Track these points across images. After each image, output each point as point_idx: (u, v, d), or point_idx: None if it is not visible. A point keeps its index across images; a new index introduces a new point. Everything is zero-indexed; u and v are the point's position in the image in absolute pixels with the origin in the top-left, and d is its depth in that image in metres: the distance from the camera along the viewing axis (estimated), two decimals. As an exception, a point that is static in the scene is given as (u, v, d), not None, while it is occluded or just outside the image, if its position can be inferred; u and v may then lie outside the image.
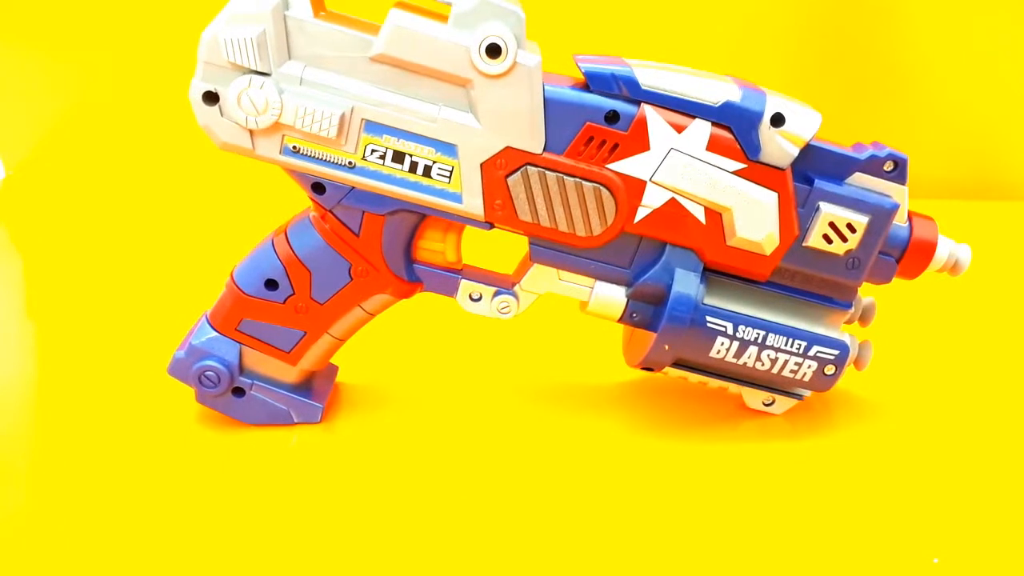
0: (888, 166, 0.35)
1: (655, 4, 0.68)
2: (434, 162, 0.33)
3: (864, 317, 0.40)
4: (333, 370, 0.41)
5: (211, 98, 0.32)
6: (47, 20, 0.68)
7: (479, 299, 0.37)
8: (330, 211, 0.34)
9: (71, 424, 0.38)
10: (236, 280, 0.36)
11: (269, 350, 0.36)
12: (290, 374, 0.37)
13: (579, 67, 0.33)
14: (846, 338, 0.37)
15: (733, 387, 0.39)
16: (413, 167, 0.33)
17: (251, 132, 0.32)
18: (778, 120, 0.33)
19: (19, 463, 0.36)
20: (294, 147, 0.33)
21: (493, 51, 0.31)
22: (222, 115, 0.32)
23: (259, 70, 0.31)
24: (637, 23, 0.67)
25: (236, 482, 0.35)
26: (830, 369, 0.37)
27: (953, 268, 0.37)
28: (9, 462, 0.36)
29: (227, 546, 0.31)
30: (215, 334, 0.36)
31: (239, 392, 0.37)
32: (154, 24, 0.67)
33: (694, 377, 0.39)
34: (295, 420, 0.38)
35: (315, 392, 0.39)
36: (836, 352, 0.37)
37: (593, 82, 0.33)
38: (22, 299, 0.53)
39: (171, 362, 0.36)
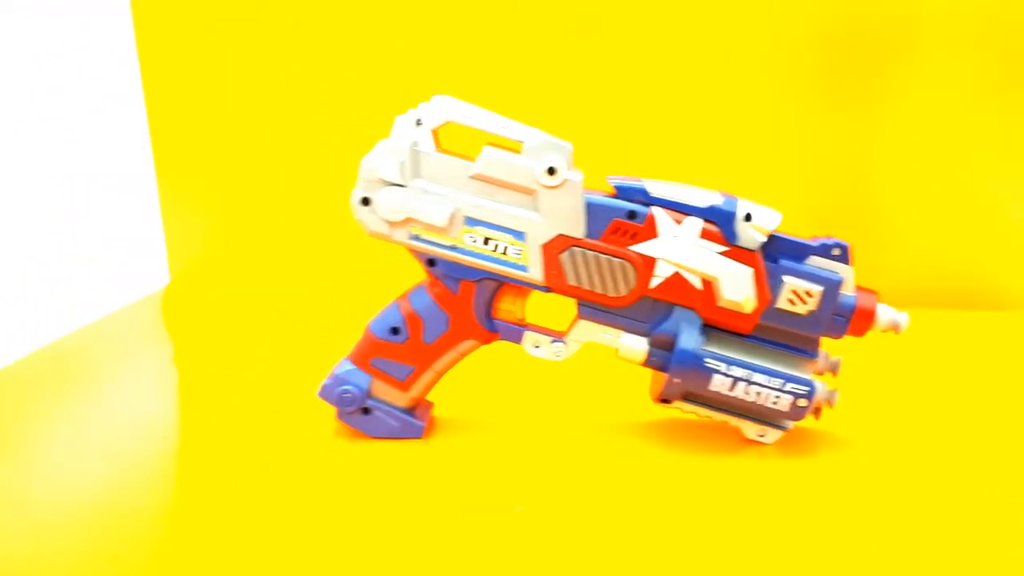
0: (836, 251, 0.49)
1: (664, 147, 0.85)
2: (510, 244, 0.48)
3: (834, 370, 0.52)
4: (430, 404, 0.55)
5: (366, 202, 0.48)
6: (208, 144, 0.89)
7: (539, 346, 0.51)
8: (438, 279, 0.50)
9: (252, 432, 0.53)
10: (371, 328, 0.51)
11: (390, 380, 0.51)
12: (402, 399, 0.51)
13: (609, 183, 0.49)
14: (815, 380, 0.50)
15: (733, 420, 0.52)
16: (496, 248, 0.48)
17: (390, 224, 0.48)
18: (748, 217, 0.47)
19: (208, 464, 0.51)
20: (417, 234, 0.49)
21: (551, 171, 0.47)
22: (372, 213, 0.48)
23: (399, 183, 0.48)
24: (651, 160, 0.84)
25: (359, 478, 0.48)
26: (802, 402, 0.49)
27: (894, 328, 0.50)
28: (199, 463, 0.50)
29: (350, 527, 0.44)
30: (353, 368, 0.51)
31: (367, 411, 0.51)
32: (303, 141, 0.87)
33: (702, 411, 0.51)
34: (403, 435, 0.51)
35: (418, 416, 0.52)
36: (806, 388, 0.49)
37: (620, 192, 0.48)
38: (204, 368, 0.69)
39: (321, 387, 0.51)
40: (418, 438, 0.52)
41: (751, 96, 0.84)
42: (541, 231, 0.48)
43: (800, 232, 0.49)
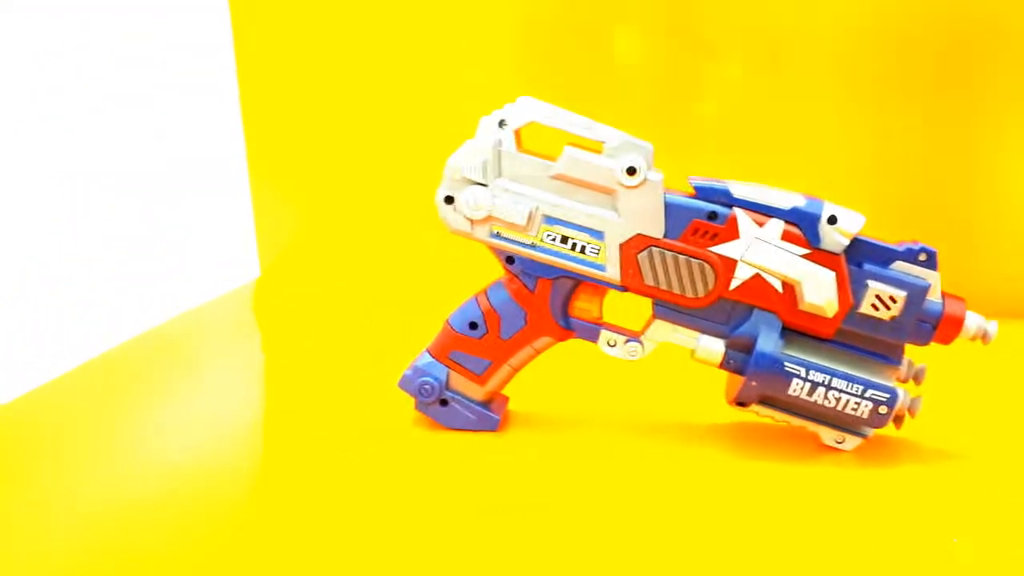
0: (922, 256, 0.48)
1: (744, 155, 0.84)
2: (588, 243, 0.49)
3: (918, 378, 0.51)
4: (506, 398, 0.56)
5: (449, 200, 0.50)
6: (299, 141, 0.92)
7: (615, 345, 0.51)
8: (516, 276, 0.51)
9: (335, 421, 0.55)
10: (450, 323, 0.52)
11: (467, 373, 0.52)
12: (479, 393, 0.53)
13: (690, 183, 0.49)
14: (897, 387, 0.49)
15: (811, 426, 0.51)
16: (574, 246, 0.49)
17: (472, 222, 0.50)
18: (832, 220, 0.47)
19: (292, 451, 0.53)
20: (497, 232, 0.50)
21: (631, 172, 0.48)
22: (455, 211, 0.50)
23: (482, 182, 0.49)
24: (732, 161, 0.83)
25: (436, 467, 0.49)
26: (883, 409, 0.48)
27: (983, 337, 0.48)
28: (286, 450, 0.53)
29: (426, 515, 0.45)
30: (432, 360, 0.53)
31: (444, 403, 0.53)
32: (392, 139, 0.89)
33: (779, 416, 0.51)
34: (479, 427, 0.53)
35: (494, 409, 0.54)
36: (887, 396, 0.48)
37: (700, 193, 0.48)
38: (290, 358, 0.72)
39: (402, 378, 0.53)
40: (494, 431, 0.53)
41: (840, 97, 0.82)
42: (619, 230, 0.49)
43: (886, 237, 0.48)
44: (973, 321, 0.48)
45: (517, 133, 0.49)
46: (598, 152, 0.48)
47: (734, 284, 0.48)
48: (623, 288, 0.50)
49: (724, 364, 0.50)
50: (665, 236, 0.48)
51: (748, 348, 0.49)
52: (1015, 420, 0.57)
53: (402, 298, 0.85)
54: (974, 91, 0.80)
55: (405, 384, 0.53)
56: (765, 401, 0.50)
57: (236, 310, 0.87)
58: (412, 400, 0.53)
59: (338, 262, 0.93)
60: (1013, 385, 0.64)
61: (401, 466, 0.49)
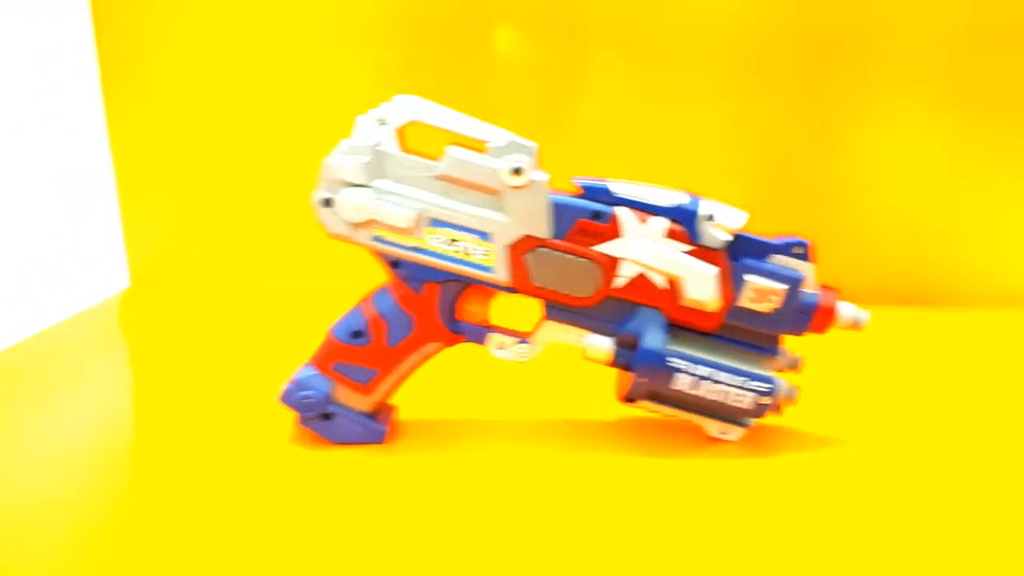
0: (797, 250, 0.49)
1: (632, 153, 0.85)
2: (475, 245, 0.48)
3: (795, 367, 0.53)
4: (393, 408, 0.54)
5: (327, 203, 0.48)
6: (168, 146, 0.87)
7: (504, 348, 0.50)
8: (402, 281, 0.49)
9: (209, 439, 0.52)
10: (333, 332, 0.50)
11: (352, 384, 0.50)
12: (365, 404, 0.51)
13: (575, 183, 0.49)
14: (776, 377, 0.50)
15: (696, 418, 0.52)
16: (461, 249, 0.48)
17: (352, 225, 0.48)
18: (712, 217, 0.48)
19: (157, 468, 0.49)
20: (380, 236, 0.48)
21: (517, 172, 0.47)
22: (334, 214, 0.48)
23: (361, 184, 0.47)
24: (615, 160, 0.85)
25: (320, 484, 0.47)
26: (764, 399, 0.49)
27: (855, 326, 0.51)
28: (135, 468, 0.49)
29: (310, 536, 0.43)
30: (314, 372, 0.50)
31: (328, 416, 0.50)
32: (265, 141, 0.85)
33: (667, 410, 0.52)
34: (365, 440, 0.51)
35: (381, 420, 0.52)
36: (768, 386, 0.49)
37: (585, 192, 0.48)
38: (160, 370, 0.67)
39: (282, 393, 0.50)
40: (380, 443, 0.51)
41: (716, 96, 0.85)
42: (507, 232, 0.48)
43: (762, 231, 0.50)
44: (846, 311, 0.50)
45: (398, 132, 0.47)
46: (482, 152, 0.47)
47: (620, 282, 0.48)
48: (512, 290, 0.49)
49: (613, 362, 0.50)
50: (552, 236, 0.48)
51: (635, 345, 0.49)
52: (889, 404, 0.60)
53: (281, 307, 0.81)
54: (842, 87, 0.84)
55: (286, 398, 0.50)
56: (653, 396, 0.51)
57: (104, 323, 0.80)
58: (294, 415, 0.50)
59: (213, 270, 0.88)
60: (886, 370, 0.67)
61: (283, 484, 0.47)
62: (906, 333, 0.78)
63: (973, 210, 0.87)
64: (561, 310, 0.50)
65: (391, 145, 0.47)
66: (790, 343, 0.52)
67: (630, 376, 0.50)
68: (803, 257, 0.49)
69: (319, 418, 0.50)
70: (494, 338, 0.50)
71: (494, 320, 0.52)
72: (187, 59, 0.85)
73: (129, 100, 0.86)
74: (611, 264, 0.48)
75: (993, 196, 0.87)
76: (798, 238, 0.49)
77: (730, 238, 0.48)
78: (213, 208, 0.88)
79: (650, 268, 0.48)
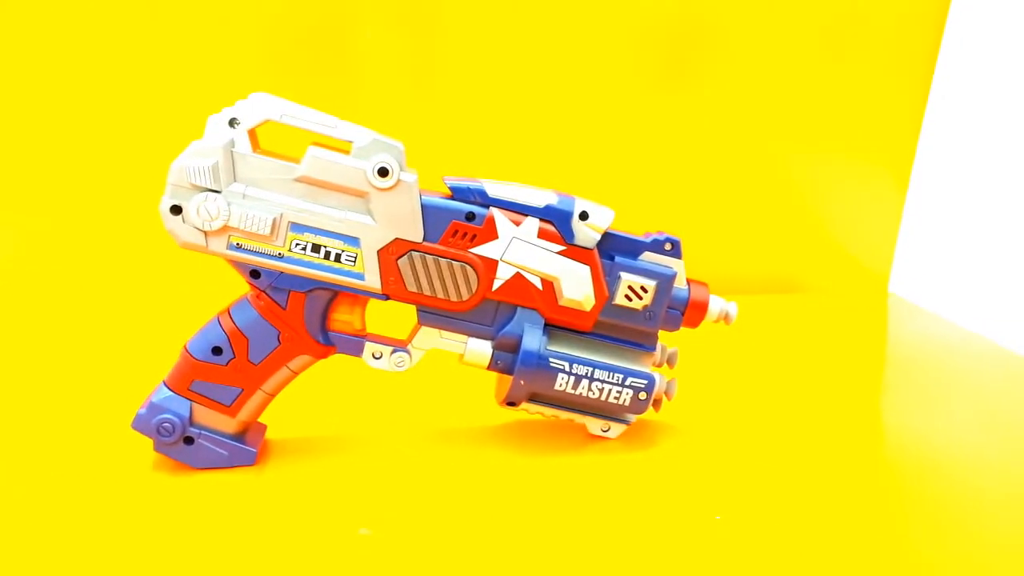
0: (668, 246, 0.50)
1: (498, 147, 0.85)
2: (343, 251, 0.45)
3: (671, 361, 0.53)
4: (263, 427, 0.51)
5: (176, 210, 0.44)
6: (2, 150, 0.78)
7: (380, 357, 0.48)
8: (264, 291, 0.46)
9: (55, 472, 0.46)
10: (189, 349, 0.46)
11: (214, 405, 0.46)
12: (230, 425, 0.47)
13: (446, 183, 0.47)
14: (654, 373, 0.51)
15: (578, 418, 0.52)
16: (327, 255, 0.45)
17: (205, 233, 0.44)
18: (584, 216, 0.47)
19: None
20: (237, 244, 0.45)
21: (383, 172, 0.45)
22: (184, 222, 0.44)
23: (213, 188, 0.44)
24: (482, 158, 0.84)
25: (185, 515, 0.43)
26: (643, 395, 0.50)
27: (725, 318, 0.52)
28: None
29: (170, 570, 0.40)
30: (171, 394, 0.46)
31: (189, 441, 0.46)
32: (101, 144, 0.78)
33: (548, 411, 0.51)
34: (233, 463, 0.47)
35: (249, 441, 0.48)
36: (645, 382, 0.50)
37: (456, 193, 0.47)
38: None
39: (135, 418, 0.46)
40: (251, 465, 0.48)
41: (583, 93, 0.85)
42: (376, 236, 0.45)
43: (632, 229, 0.50)
44: (716, 304, 0.51)
45: (252, 133, 0.44)
46: (346, 153, 0.45)
47: (496, 284, 0.47)
48: (385, 296, 0.47)
49: (492, 365, 0.49)
50: (425, 239, 0.46)
51: (514, 348, 0.48)
52: (760, 393, 0.62)
53: (130, 324, 0.74)
54: (704, 81, 0.87)
55: (140, 424, 0.46)
56: (534, 398, 0.50)
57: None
58: (151, 442, 0.46)
59: (54, 283, 0.80)
60: (754, 359, 0.70)
61: (143, 519, 0.42)
62: (770, 321, 0.81)
63: (827, 200, 0.92)
64: (437, 315, 0.48)
65: (244, 146, 0.44)
66: (665, 338, 0.53)
67: (510, 379, 0.49)
68: (674, 253, 0.50)
69: (180, 443, 0.46)
70: (369, 347, 0.48)
71: (368, 329, 0.49)
72: (26, 51, 0.76)
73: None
74: (487, 266, 0.47)
75: (845, 186, 0.92)
76: (668, 235, 0.50)
77: (600, 237, 0.48)
78: (54, 216, 0.80)
79: (525, 269, 0.47)
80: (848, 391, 0.64)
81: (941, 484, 0.49)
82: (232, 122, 0.43)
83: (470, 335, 0.49)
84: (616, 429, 0.52)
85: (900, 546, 0.43)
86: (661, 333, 0.51)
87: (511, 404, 0.50)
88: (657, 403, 0.53)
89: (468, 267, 0.47)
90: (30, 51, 0.76)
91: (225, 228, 0.44)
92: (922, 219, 0.96)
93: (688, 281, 0.51)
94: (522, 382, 0.48)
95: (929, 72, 0.89)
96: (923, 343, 0.77)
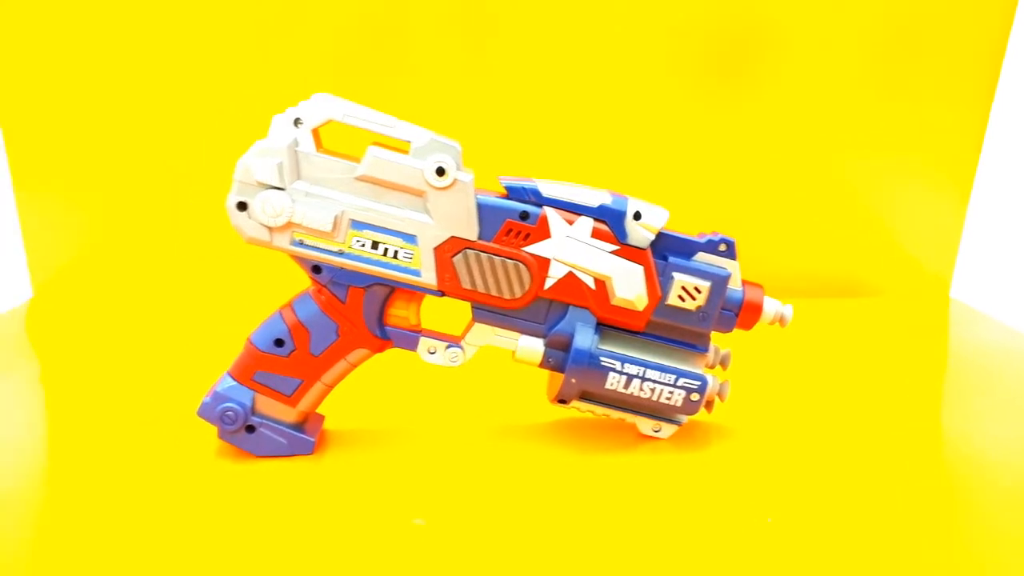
0: (722, 247, 0.50)
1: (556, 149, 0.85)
2: (400, 248, 0.47)
3: (724, 363, 0.53)
4: (321, 417, 0.52)
5: (242, 206, 0.45)
6: (67, 151, 0.82)
7: (435, 352, 0.49)
8: (324, 286, 0.47)
9: (127, 457, 0.49)
10: (252, 341, 0.48)
11: (275, 395, 0.48)
12: (290, 415, 0.49)
13: (501, 183, 0.48)
14: (707, 374, 0.50)
15: (629, 417, 0.52)
16: (385, 252, 0.47)
17: (270, 229, 0.46)
18: (638, 216, 0.48)
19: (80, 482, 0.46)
20: (300, 240, 0.46)
21: (440, 172, 0.46)
22: (250, 218, 0.45)
23: (278, 186, 0.45)
24: (539, 158, 0.84)
25: (246, 501, 0.45)
26: (695, 396, 0.50)
27: (780, 321, 0.51)
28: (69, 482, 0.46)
29: (237, 555, 0.41)
30: (234, 384, 0.48)
31: (251, 429, 0.48)
32: (175, 142, 0.81)
33: (599, 410, 0.51)
34: (292, 452, 0.49)
35: (308, 431, 0.50)
36: (698, 383, 0.50)
37: (511, 192, 0.47)
38: (72, 385, 0.63)
39: (200, 406, 0.48)
40: (308, 454, 0.49)
41: (633, 96, 0.85)
42: (433, 234, 0.47)
43: (687, 229, 0.50)
44: (771, 306, 0.51)
45: (315, 132, 0.46)
46: (404, 152, 0.46)
47: (549, 283, 0.48)
48: (440, 293, 0.48)
49: (544, 363, 0.50)
50: (480, 238, 0.47)
51: (566, 346, 0.49)
52: (814, 396, 0.61)
53: (196, 316, 0.78)
54: (761, 83, 0.86)
55: (205, 412, 0.48)
56: (585, 396, 0.51)
57: (8, 335, 0.75)
58: (215, 429, 0.48)
59: (121, 279, 0.84)
60: (810, 362, 0.69)
61: (207, 503, 0.44)
62: (828, 325, 0.80)
63: (888, 203, 0.90)
64: (490, 312, 0.49)
65: (308, 145, 0.45)
66: (719, 339, 0.53)
67: (561, 377, 0.49)
68: (728, 254, 0.50)
69: (242, 431, 0.48)
70: (424, 342, 0.49)
71: (424, 324, 0.50)
72: (87, 58, 0.80)
73: (24, 105, 0.81)
74: (540, 265, 0.48)
75: (906, 189, 0.90)
76: (723, 235, 0.50)
77: (654, 237, 0.48)
78: (119, 212, 0.84)
79: (578, 268, 0.48)
80: (906, 398, 0.63)
81: (999, 497, 0.48)
82: (296, 122, 0.45)
83: (522, 332, 0.49)
84: (667, 430, 0.52)
85: (953, 559, 0.42)
86: (714, 334, 0.51)
87: (562, 402, 0.51)
88: (709, 404, 0.53)
89: (521, 265, 0.47)
90: (107, 52, 0.80)
91: (289, 224, 0.46)
92: (985, 222, 0.93)
93: (743, 283, 0.51)
94: (573, 380, 0.49)
95: (995, 73, 0.86)
96: (985, 350, 0.75)
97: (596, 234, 0.47)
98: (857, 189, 0.90)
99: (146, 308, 0.81)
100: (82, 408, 0.57)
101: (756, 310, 0.50)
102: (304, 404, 0.49)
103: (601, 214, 0.47)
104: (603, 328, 0.50)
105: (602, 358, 0.48)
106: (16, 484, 0.47)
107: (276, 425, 0.48)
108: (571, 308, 0.49)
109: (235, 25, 0.80)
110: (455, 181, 0.46)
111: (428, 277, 0.47)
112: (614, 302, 0.48)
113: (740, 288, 0.50)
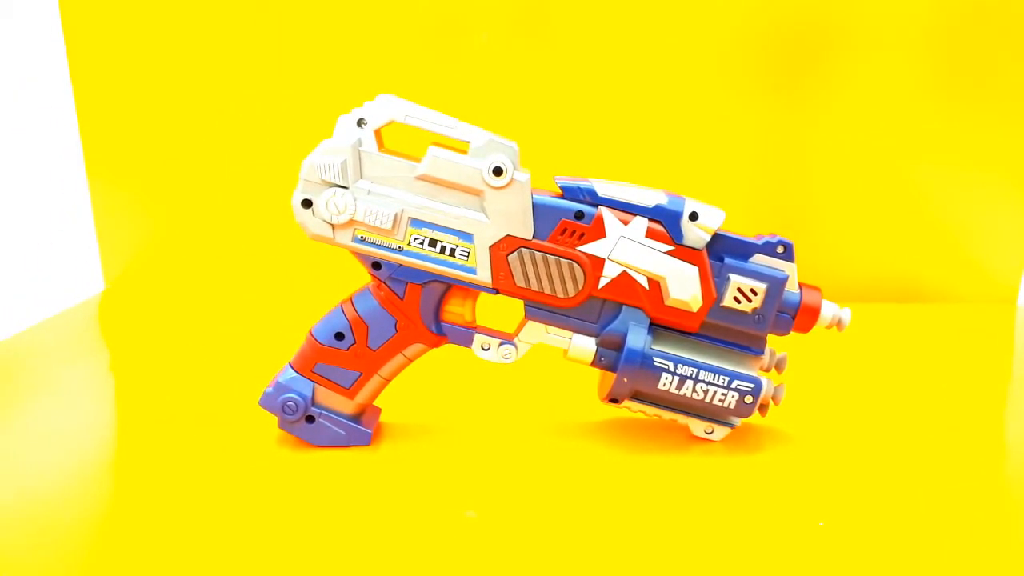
0: (780, 249, 0.49)
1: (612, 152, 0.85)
2: (457, 246, 0.48)
3: (779, 366, 0.53)
4: (378, 410, 0.54)
5: (307, 204, 0.47)
6: (141, 147, 0.86)
7: (488, 349, 0.50)
8: (384, 282, 0.49)
9: (190, 443, 0.51)
10: (313, 334, 0.49)
11: (334, 387, 0.50)
12: (348, 406, 0.50)
13: (557, 183, 0.48)
14: (761, 377, 0.50)
15: (681, 418, 0.52)
16: (443, 250, 0.48)
17: (333, 226, 0.47)
18: (694, 216, 0.48)
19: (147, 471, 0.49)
20: (362, 237, 0.47)
21: (497, 172, 0.46)
22: (314, 215, 0.47)
23: (341, 184, 0.47)
24: (595, 159, 0.84)
25: (304, 489, 0.46)
26: (748, 399, 0.49)
27: (838, 325, 0.51)
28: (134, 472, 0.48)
29: (296, 540, 0.43)
30: (295, 375, 0.50)
31: (310, 420, 0.50)
32: (242, 141, 0.84)
33: (651, 410, 0.51)
34: (350, 443, 0.50)
35: (365, 423, 0.51)
36: (752, 385, 0.49)
37: (567, 192, 0.48)
38: (144, 377, 0.66)
39: (262, 396, 0.50)
40: (366, 445, 0.50)
41: (693, 96, 0.85)
42: (489, 232, 0.47)
43: (744, 230, 0.50)
44: (829, 310, 0.50)
45: (377, 132, 0.47)
46: (463, 152, 0.47)
47: (603, 282, 0.48)
48: (495, 291, 0.49)
49: (596, 362, 0.50)
50: (534, 237, 0.48)
51: (618, 345, 0.49)
52: (872, 402, 0.60)
53: (260, 309, 0.81)
54: (820, 85, 0.84)
55: (266, 402, 0.49)
56: (636, 396, 0.51)
57: (81, 326, 0.79)
58: (275, 419, 0.50)
59: (189, 272, 0.87)
60: (869, 368, 0.68)
61: (267, 489, 0.46)
62: (883, 329, 0.78)
63: (953, 207, 0.88)
64: (543, 310, 0.49)
65: (371, 145, 0.47)
66: (774, 342, 0.52)
67: (613, 376, 0.50)
68: (786, 257, 0.49)
69: (301, 421, 0.50)
70: (479, 339, 0.50)
71: (478, 321, 0.51)
72: (162, 58, 0.83)
73: (100, 100, 0.85)
74: (594, 264, 0.48)
75: (972, 192, 0.88)
76: (780, 237, 0.49)
77: (710, 238, 0.48)
78: (189, 209, 0.87)
79: (632, 268, 0.48)
80: (969, 405, 0.61)
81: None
82: (360, 122, 0.46)
83: (575, 331, 0.50)
84: (720, 432, 0.52)
85: (1013, 570, 0.41)
86: (770, 337, 0.51)
87: (614, 401, 0.51)
88: (764, 408, 0.52)
89: (575, 264, 0.48)
90: (181, 52, 0.83)
91: (351, 222, 0.47)
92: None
93: (801, 285, 0.50)
94: (625, 380, 0.49)
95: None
96: (1056, 360, 0.72)
97: (651, 234, 0.48)
98: (924, 193, 0.88)
99: (212, 301, 0.84)
100: (149, 396, 0.60)
101: (813, 313, 0.50)
102: (362, 396, 0.50)
103: (656, 214, 0.48)
104: (657, 328, 0.50)
105: (655, 358, 0.49)
106: (84, 469, 0.49)
107: (335, 416, 0.50)
108: (624, 308, 0.49)
109: (305, 30, 0.82)
110: (512, 181, 0.47)
111: (483, 275, 0.48)
112: (668, 302, 0.49)
113: (797, 291, 0.50)
